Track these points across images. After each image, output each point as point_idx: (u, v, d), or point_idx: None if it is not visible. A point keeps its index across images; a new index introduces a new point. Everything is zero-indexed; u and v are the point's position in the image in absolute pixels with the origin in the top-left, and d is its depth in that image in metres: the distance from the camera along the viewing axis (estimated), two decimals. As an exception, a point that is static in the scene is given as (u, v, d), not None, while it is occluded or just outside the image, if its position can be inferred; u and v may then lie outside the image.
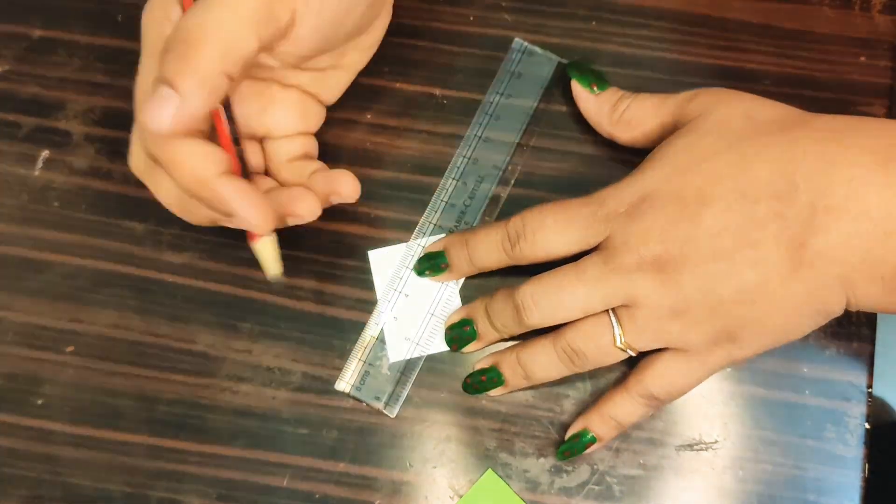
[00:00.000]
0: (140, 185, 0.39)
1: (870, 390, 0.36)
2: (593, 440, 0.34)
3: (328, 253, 0.37)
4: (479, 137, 0.38)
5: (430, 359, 0.36)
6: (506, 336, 0.35)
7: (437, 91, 0.39)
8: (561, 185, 0.38)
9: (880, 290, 0.30)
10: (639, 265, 0.31)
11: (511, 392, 0.36)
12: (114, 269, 0.37)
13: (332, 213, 0.36)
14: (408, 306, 0.36)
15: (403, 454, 0.36)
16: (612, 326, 0.32)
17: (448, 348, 0.36)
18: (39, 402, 0.36)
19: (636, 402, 0.33)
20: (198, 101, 0.28)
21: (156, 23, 0.31)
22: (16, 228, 0.38)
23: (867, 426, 0.36)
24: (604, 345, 0.32)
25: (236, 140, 0.33)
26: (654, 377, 0.33)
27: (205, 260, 0.37)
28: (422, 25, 0.39)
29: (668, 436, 0.36)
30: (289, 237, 0.34)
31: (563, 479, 0.36)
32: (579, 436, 0.34)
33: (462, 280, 0.37)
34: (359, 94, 0.38)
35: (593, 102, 0.37)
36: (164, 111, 0.28)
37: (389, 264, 0.37)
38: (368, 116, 0.39)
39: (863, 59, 0.39)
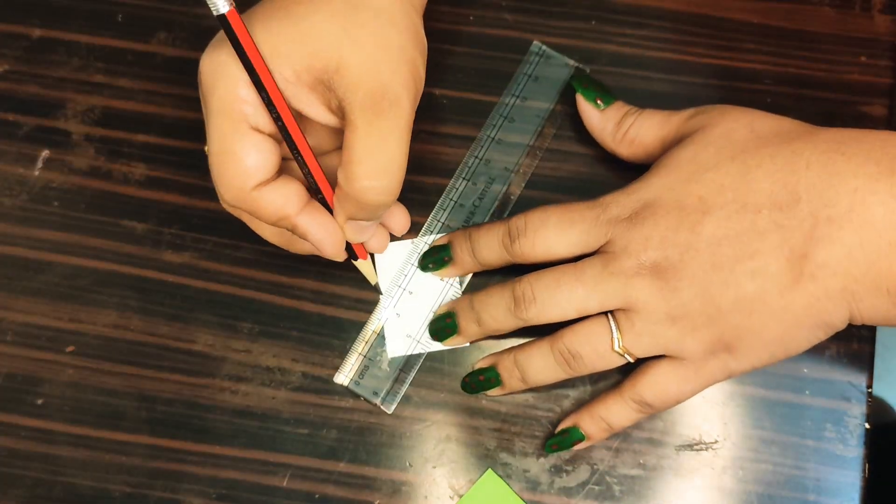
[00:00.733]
0: (140, 185, 0.39)
1: (870, 390, 0.36)
2: (582, 438, 0.34)
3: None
4: (493, 139, 0.38)
5: (430, 358, 0.36)
6: (490, 332, 0.35)
7: (437, 91, 0.39)
8: (572, 189, 0.38)
9: (886, 303, 0.30)
10: (638, 270, 0.31)
11: (510, 393, 0.36)
12: (114, 269, 0.37)
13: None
14: (411, 303, 0.36)
15: (403, 454, 0.36)
16: (611, 330, 0.32)
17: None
18: (39, 401, 0.36)
19: (628, 406, 0.33)
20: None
21: (226, 78, 0.30)
22: (16, 228, 0.38)
23: (867, 426, 0.36)
24: (601, 348, 0.32)
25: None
26: (648, 383, 0.33)
27: (205, 260, 0.37)
28: (422, 25, 0.39)
29: (667, 436, 0.36)
30: (288, 237, 0.34)
31: (562, 478, 0.36)
32: (568, 431, 0.35)
33: (468, 279, 0.37)
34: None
35: (597, 119, 0.36)
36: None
37: (395, 260, 0.37)
38: (368, 116, 0.39)
39: (863, 59, 0.39)
